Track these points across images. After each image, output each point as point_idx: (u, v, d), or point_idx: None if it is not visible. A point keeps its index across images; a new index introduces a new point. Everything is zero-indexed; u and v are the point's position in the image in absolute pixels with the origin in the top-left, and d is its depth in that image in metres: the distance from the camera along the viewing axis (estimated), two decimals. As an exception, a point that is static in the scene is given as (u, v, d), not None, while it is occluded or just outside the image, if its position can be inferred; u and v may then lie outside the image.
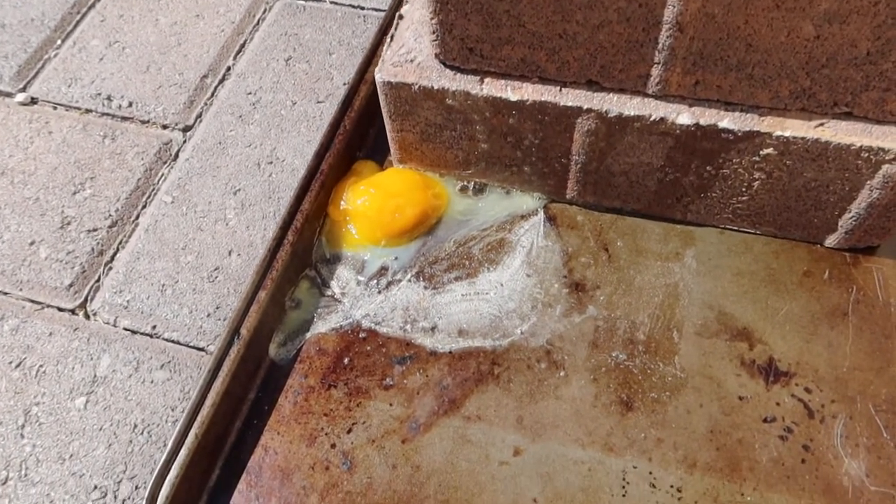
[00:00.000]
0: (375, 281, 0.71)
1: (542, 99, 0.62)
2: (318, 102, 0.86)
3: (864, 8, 0.49)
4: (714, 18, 0.52)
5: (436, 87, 0.64)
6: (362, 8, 0.96)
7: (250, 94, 0.89)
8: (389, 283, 0.71)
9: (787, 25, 0.51)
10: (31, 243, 0.79)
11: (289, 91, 0.88)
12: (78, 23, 0.99)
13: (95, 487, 0.64)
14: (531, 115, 0.64)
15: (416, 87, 0.64)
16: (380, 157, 0.79)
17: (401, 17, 0.69)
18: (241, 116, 0.87)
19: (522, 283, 0.69)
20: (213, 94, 0.89)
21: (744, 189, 0.65)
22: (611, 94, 0.61)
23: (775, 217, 0.67)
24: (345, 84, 0.85)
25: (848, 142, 0.57)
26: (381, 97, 0.67)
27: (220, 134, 0.85)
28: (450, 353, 0.66)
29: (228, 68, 0.92)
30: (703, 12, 0.52)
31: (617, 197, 0.71)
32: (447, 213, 0.74)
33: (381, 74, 0.65)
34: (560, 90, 0.62)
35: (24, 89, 0.92)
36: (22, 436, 0.67)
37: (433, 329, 0.68)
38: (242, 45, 0.94)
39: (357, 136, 0.78)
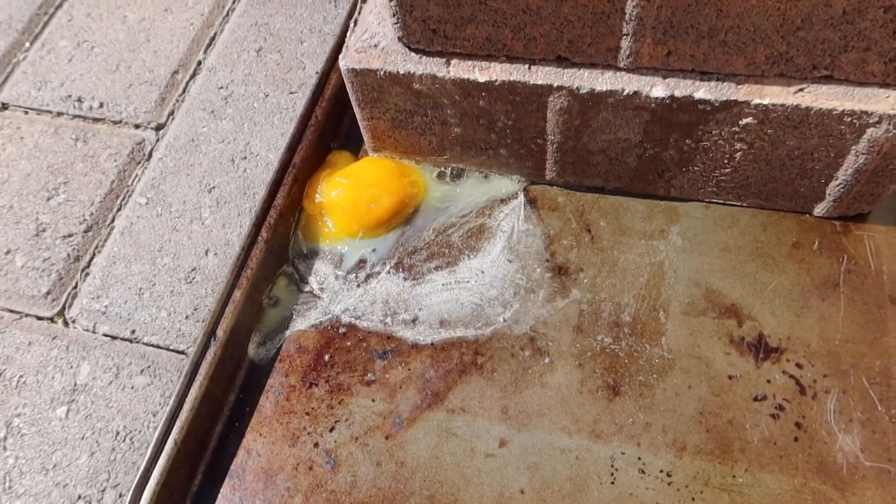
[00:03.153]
0: (354, 274, 0.69)
1: (511, 78, 0.60)
2: (291, 93, 0.84)
3: (837, -35, 0.46)
4: (681, -15, 0.50)
5: (401, 72, 0.62)
6: (334, -7, 0.94)
7: (222, 88, 0.87)
8: (368, 276, 0.69)
9: (758, -12, 0.49)
10: (7, 252, 0.77)
11: (261, 83, 0.86)
12: (46, 24, 0.97)
13: (80, 497, 0.63)
14: (501, 96, 0.61)
15: (382, 72, 0.62)
16: (354, 146, 0.77)
17: (364, 0, 0.66)
18: (213, 112, 0.85)
19: (504, 270, 0.68)
20: (184, 91, 0.87)
21: (726, 161, 0.63)
22: (581, 70, 0.59)
23: (760, 188, 0.65)
24: (317, 73, 0.83)
25: (830, 106, 0.55)
26: (348, 85, 0.65)
27: (192, 131, 0.84)
28: (432, 344, 0.65)
29: (199, 63, 0.90)
30: (668, -21, 0.49)
31: (597, 175, 0.69)
32: (425, 201, 0.72)
33: (345, 61, 0.63)
34: (529, 68, 0.59)
35: (-6, 95, 0.90)
36: (4, 448, 0.66)
37: (414, 321, 0.66)
38: (213, 38, 0.92)
39: (330, 127, 0.77)
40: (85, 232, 0.78)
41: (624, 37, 0.55)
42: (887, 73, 0.53)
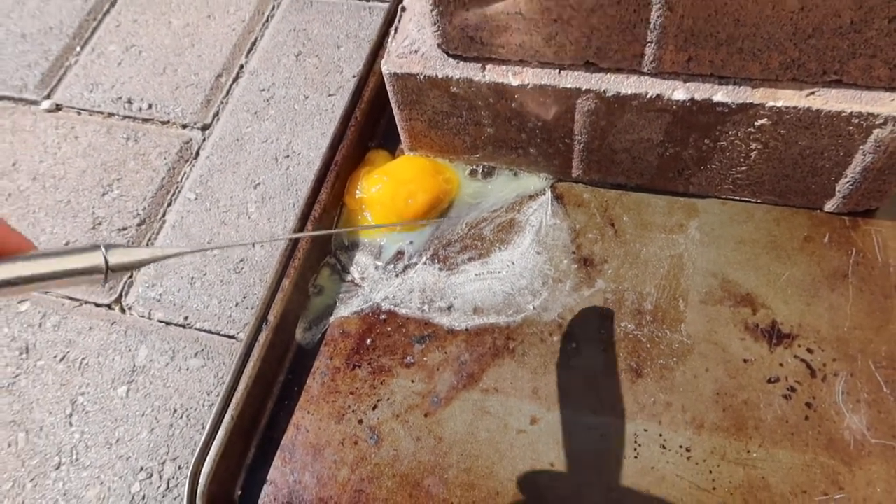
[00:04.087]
0: (392, 265, 0.74)
1: (543, 82, 0.64)
2: (330, 95, 0.90)
3: (846, -19, 0.51)
4: (702, -2, 0.54)
5: (440, 76, 0.67)
6: (368, 0, 0.99)
7: (264, 90, 0.92)
8: (406, 267, 0.74)
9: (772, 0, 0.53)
10: (66, 244, 0.83)
11: (301, 86, 0.91)
12: (95, 29, 1.03)
13: (142, 469, 0.68)
14: (533, 99, 0.66)
15: (422, 76, 0.67)
16: (391, 145, 0.82)
17: (403, 8, 0.71)
18: (256, 113, 0.90)
19: (533, 261, 0.72)
20: (228, 93, 0.93)
21: (742, 159, 0.67)
22: (608, 75, 0.63)
23: (774, 185, 0.70)
24: (354, 76, 0.88)
25: (839, 109, 0.59)
26: (389, 88, 0.70)
27: (237, 131, 0.89)
28: (466, 330, 0.70)
29: (241, 66, 0.95)
30: (690, -7, 0.54)
31: (621, 173, 0.74)
32: (458, 197, 0.77)
33: (387, 66, 0.68)
34: (559, 73, 0.64)
35: (48, 96, 0.96)
36: (70, 424, 0.72)
37: (449, 308, 0.71)
38: (254, 43, 0.97)
39: (368, 127, 0.82)
40: (138, 225, 0.83)
41: (648, 44, 0.59)
42: (892, 78, 0.57)
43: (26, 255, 0.34)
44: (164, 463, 0.68)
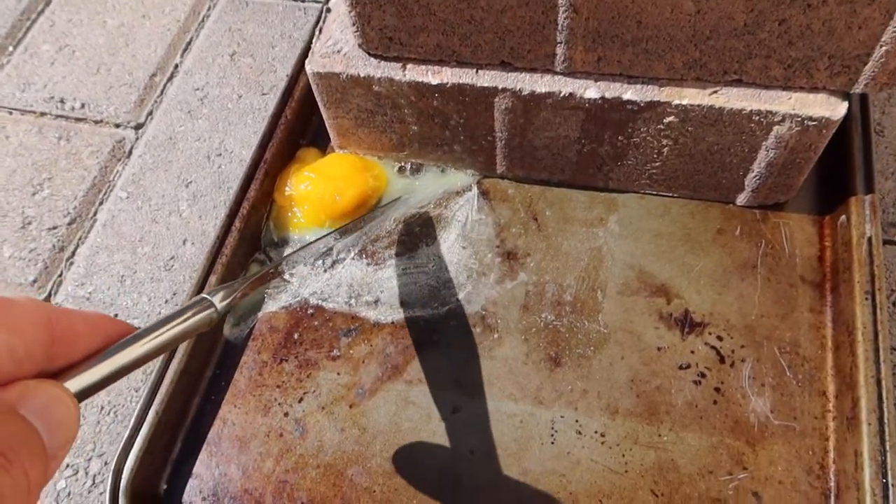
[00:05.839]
0: (321, 261, 0.75)
1: (461, 81, 0.66)
2: (263, 94, 0.90)
3: (735, -16, 0.53)
4: None
5: (362, 76, 0.68)
6: (302, 0, 1.00)
7: (198, 89, 0.92)
8: (334, 262, 0.75)
9: (669, 3, 0.56)
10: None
11: (234, 85, 0.92)
12: (28, 29, 1.02)
13: (67, 466, 0.69)
14: (453, 97, 0.68)
15: (344, 76, 0.69)
16: (322, 143, 0.83)
17: (328, 10, 0.73)
18: (189, 112, 0.90)
19: (458, 255, 0.74)
20: (162, 92, 0.93)
21: (655, 155, 0.70)
22: (523, 74, 0.65)
23: (688, 180, 0.72)
24: (287, 76, 0.89)
25: (740, 107, 0.62)
26: (314, 87, 0.72)
27: (170, 130, 0.89)
28: (392, 323, 0.71)
29: (176, 66, 0.96)
30: (593, -6, 0.56)
31: (543, 169, 0.76)
32: (387, 193, 0.79)
33: (311, 66, 0.69)
34: (476, 72, 0.66)
35: (-21, 96, 0.95)
36: None
37: (376, 302, 0.72)
38: (188, 43, 0.98)
39: (299, 125, 0.83)
40: (69, 224, 0.83)
41: (558, 44, 0.62)
42: (788, 78, 0.60)
43: (143, 329, 0.36)
44: (90, 459, 0.69)
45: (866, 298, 0.64)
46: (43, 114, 0.93)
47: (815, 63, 0.59)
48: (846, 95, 0.61)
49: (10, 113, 0.94)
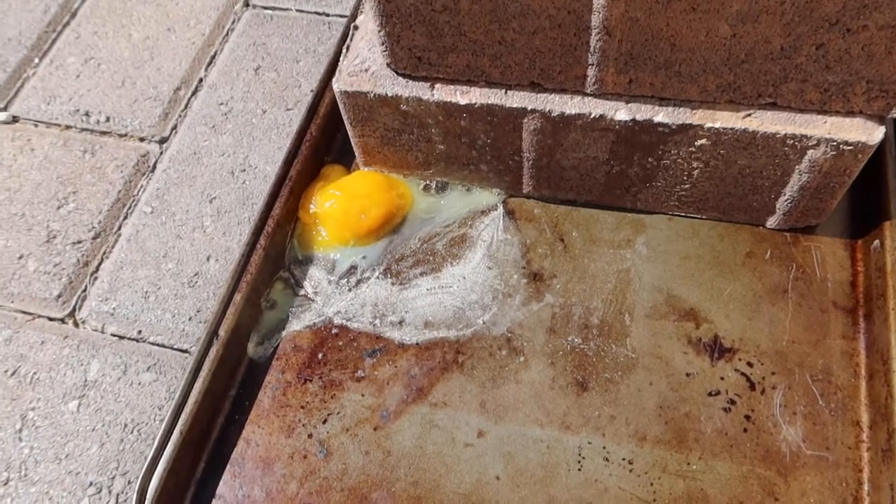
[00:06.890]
0: (346, 279, 0.75)
1: (490, 102, 0.66)
2: (288, 110, 0.90)
3: (773, 7, 0.52)
4: (638, 22, 0.56)
5: (390, 95, 0.68)
6: (327, 14, 0.99)
7: (222, 104, 0.92)
8: (359, 281, 0.75)
9: (705, 26, 0.55)
10: (20, 257, 0.83)
11: (259, 100, 0.92)
12: (54, 41, 1.02)
13: (91, 484, 0.68)
14: (481, 117, 0.67)
15: (372, 95, 0.68)
16: (347, 160, 0.83)
17: (356, 27, 0.72)
18: (214, 126, 0.90)
19: (484, 276, 0.74)
20: (186, 106, 0.93)
21: (685, 178, 0.69)
22: (553, 95, 0.65)
23: (717, 202, 0.71)
24: (312, 91, 0.88)
25: (774, 130, 0.61)
26: (341, 105, 0.71)
27: (194, 144, 0.89)
28: (417, 344, 0.71)
29: (200, 80, 0.96)
30: (626, 17, 0.55)
31: (570, 189, 0.75)
32: (411, 212, 0.78)
33: (338, 84, 0.69)
34: (506, 93, 0.65)
35: (5, 108, 0.96)
36: (20, 439, 0.71)
37: (401, 322, 0.72)
38: (213, 57, 0.98)
39: (324, 142, 0.82)
40: (93, 239, 0.83)
41: (590, 66, 0.61)
42: (823, 102, 0.59)
43: None
44: (113, 478, 0.68)
45: (902, 327, 0.63)
46: (68, 127, 0.93)
47: (853, 87, 0.58)
48: (882, 119, 0.60)
49: (36, 125, 0.94)
